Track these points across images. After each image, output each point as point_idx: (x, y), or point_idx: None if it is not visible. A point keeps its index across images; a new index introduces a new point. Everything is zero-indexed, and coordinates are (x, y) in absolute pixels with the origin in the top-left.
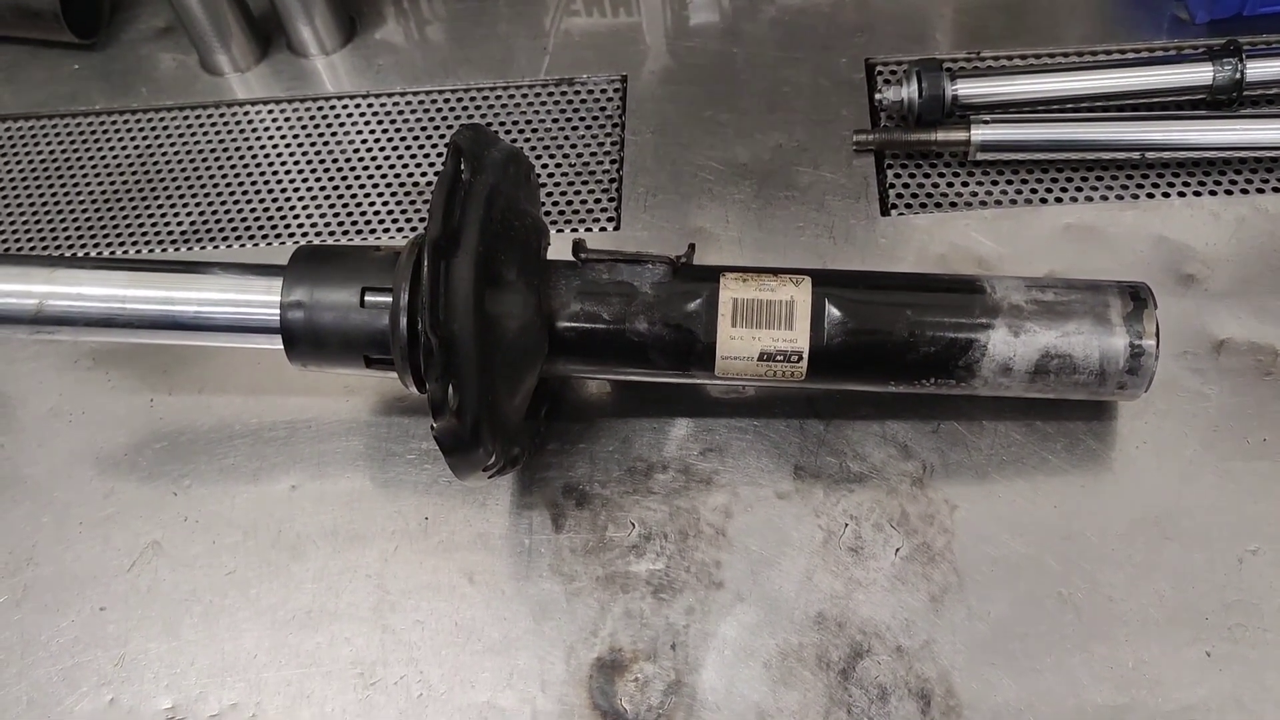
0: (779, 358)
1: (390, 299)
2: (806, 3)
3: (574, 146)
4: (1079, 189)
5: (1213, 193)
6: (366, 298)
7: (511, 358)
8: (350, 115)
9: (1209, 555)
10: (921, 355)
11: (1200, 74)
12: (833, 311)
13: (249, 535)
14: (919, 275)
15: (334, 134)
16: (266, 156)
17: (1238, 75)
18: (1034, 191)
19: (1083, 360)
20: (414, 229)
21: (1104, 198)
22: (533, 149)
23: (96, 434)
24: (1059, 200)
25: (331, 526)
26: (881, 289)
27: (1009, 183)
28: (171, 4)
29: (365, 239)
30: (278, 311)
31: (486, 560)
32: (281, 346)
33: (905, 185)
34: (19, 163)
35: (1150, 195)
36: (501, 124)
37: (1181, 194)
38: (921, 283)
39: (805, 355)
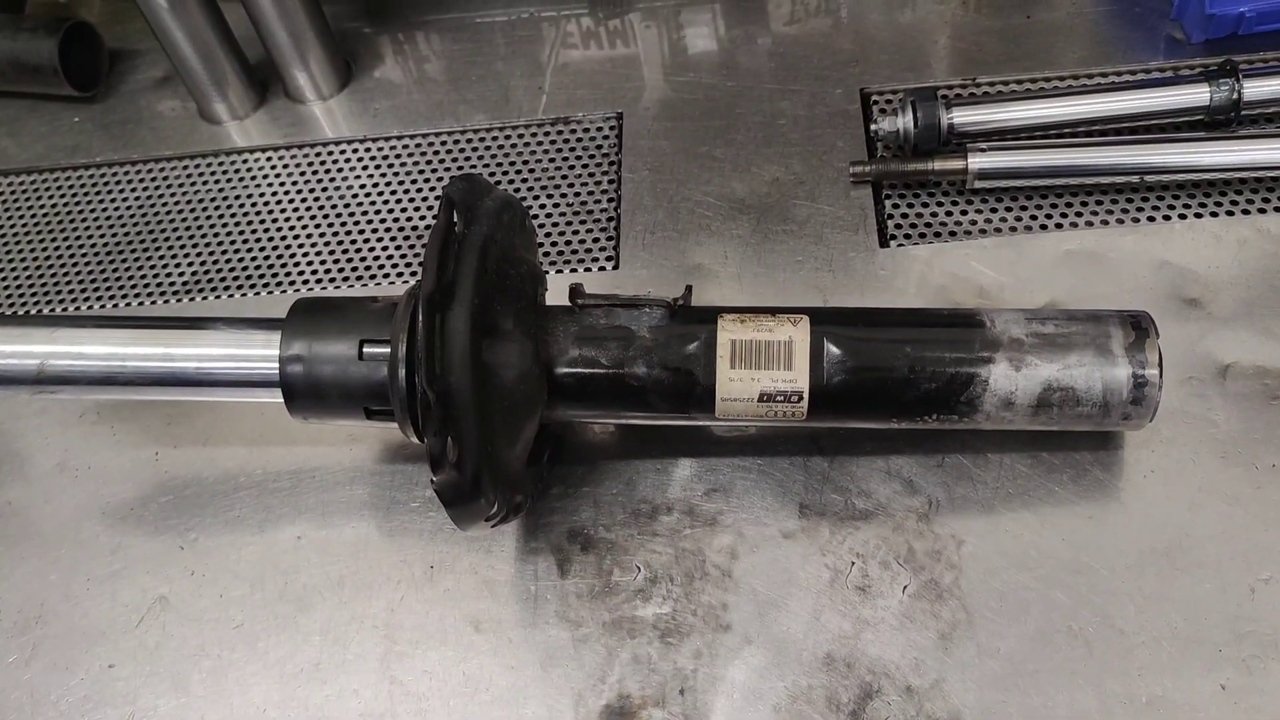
0: (779, 398)
1: (389, 350)
2: (801, 32)
3: (571, 186)
4: (1079, 214)
5: (1214, 214)
6: (365, 350)
7: (510, 406)
8: (348, 160)
9: (1220, 585)
10: (922, 392)
11: (1197, 95)
12: (831, 350)
13: (256, 588)
14: (918, 311)
15: (333, 179)
16: (266, 204)
17: (1235, 95)
18: (1033, 218)
19: (1085, 392)
20: (414, 274)
21: (1104, 222)
22: (530, 189)
23: (103, 488)
24: (1059, 227)
25: (338, 577)
26: (880, 326)
27: (1008, 210)
28: (168, 54)
29: (366, 285)
30: (277, 366)
31: (493, 608)
32: (281, 400)
33: (904, 216)
34: (21, 217)
35: (1151, 219)
36: (499, 165)
37: (1182, 216)
38: (920, 318)
39: (805, 395)
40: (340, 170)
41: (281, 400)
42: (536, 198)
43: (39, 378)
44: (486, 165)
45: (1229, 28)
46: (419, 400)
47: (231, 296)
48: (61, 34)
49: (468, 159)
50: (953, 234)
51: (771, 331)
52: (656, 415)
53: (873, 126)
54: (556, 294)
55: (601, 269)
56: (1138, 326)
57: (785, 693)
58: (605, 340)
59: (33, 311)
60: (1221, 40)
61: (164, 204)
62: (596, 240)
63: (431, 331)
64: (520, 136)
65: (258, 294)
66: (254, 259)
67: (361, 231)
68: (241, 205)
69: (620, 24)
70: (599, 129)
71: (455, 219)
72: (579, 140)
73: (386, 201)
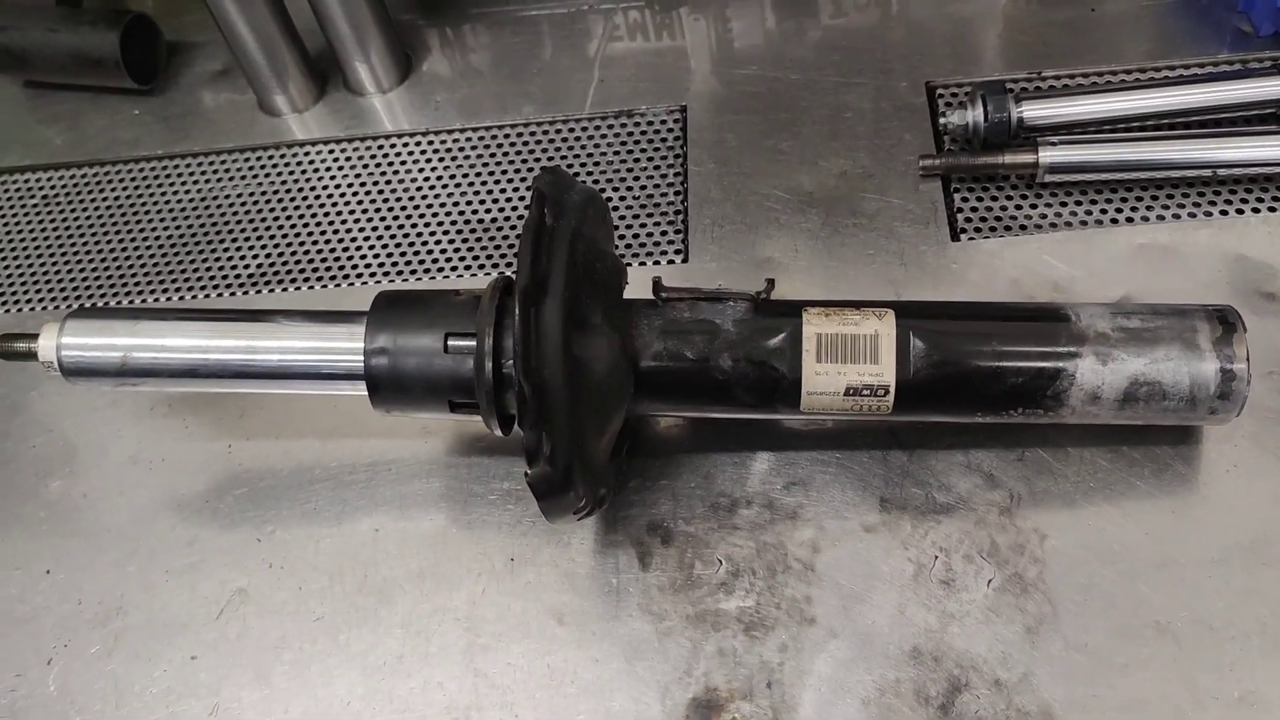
0: (865, 392)
1: (474, 344)
2: (851, 23)
3: (636, 179)
4: (1150, 208)
5: None
6: (450, 343)
7: (599, 400)
8: (410, 153)
9: None
10: (1009, 386)
11: (1269, 89)
12: (917, 344)
13: (335, 580)
14: (1002, 304)
15: (395, 172)
16: (330, 197)
17: None
18: (1104, 212)
19: (1172, 387)
20: (480, 266)
21: (1176, 216)
22: (595, 182)
23: (176, 481)
24: (1130, 220)
25: (417, 569)
26: (965, 319)
27: (1078, 204)
28: (229, 46)
29: (433, 278)
30: (361, 359)
31: (574, 601)
32: (364, 393)
33: (974, 209)
34: (85, 210)
35: (1224, 213)
36: (563, 158)
37: (1256, 210)
38: (1004, 312)
39: (892, 389)
40: (402, 163)
41: (359, 393)
42: (602, 190)
43: (122, 370)
44: (550, 159)
45: None
46: (515, 394)
47: (298, 289)
48: (123, 26)
49: (530, 152)
50: (1023, 228)
51: (857, 325)
52: (741, 409)
53: (941, 120)
54: (633, 288)
55: (670, 262)
56: (1224, 321)
57: (873, 686)
58: (690, 334)
59: (99, 304)
60: None
61: (226, 197)
62: (665, 233)
63: (527, 324)
64: (584, 129)
65: (325, 286)
66: (319, 251)
67: (427, 224)
68: (305, 198)
69: (676, 16)
70: (662, 122)
71: (545, 213)
72: (642, 133)
73: (450, 194)
